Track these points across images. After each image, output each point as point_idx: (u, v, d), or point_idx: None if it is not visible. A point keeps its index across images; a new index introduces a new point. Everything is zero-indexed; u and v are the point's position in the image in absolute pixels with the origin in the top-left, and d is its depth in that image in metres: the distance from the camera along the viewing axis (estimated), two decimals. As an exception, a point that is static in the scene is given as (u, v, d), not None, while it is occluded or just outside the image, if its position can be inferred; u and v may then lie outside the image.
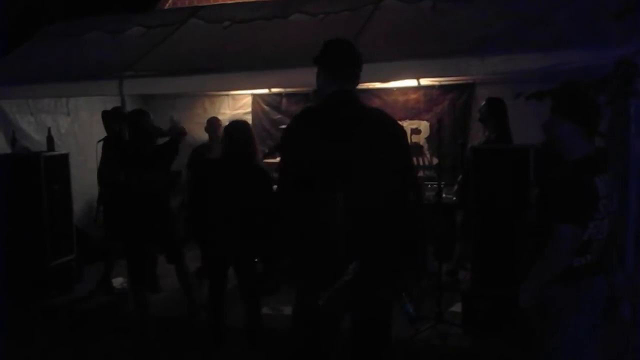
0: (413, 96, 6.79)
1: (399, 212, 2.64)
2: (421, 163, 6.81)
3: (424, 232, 2.78)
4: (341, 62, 2.72)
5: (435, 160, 6.54)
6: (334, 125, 2.60)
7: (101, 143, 5.60)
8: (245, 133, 4.19)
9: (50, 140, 5.88)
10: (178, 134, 4.89)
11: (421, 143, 6.80)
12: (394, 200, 2.62)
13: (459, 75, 5.80)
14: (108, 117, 5.65)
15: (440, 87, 6.61)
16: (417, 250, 2.80)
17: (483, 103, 5.36)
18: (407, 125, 6.80)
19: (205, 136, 6.34)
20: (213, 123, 6.24)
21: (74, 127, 6.71)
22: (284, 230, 2.78)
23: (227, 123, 4.67)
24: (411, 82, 6.37)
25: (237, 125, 4.34)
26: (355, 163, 2.55)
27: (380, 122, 2.71)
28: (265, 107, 7.45)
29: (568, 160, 2.60)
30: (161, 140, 4.85)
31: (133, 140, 4.73)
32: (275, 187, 3.43)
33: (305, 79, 4.89)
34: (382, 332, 2.83)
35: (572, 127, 2.56)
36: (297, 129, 2.74)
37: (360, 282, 2.57)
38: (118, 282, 5.76)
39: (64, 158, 5.88)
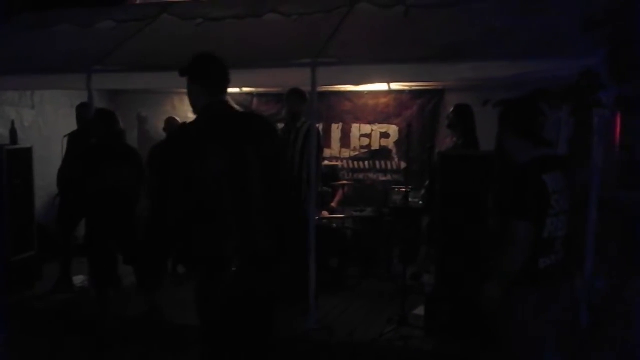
0: (383, 100, 6.85)
1: (279, 207, 2.82)
2: (389, 167, 6.88)
3: (295, 223, 2.95)
4: (218, 76, 2.93)
5: (403, 165, 6.61)
6: (221, 134, 2.75)
7: (67, 138, 5.49)
8: None
9: (13, 133, 5.74)
10: None
11: (390, 147, 6.86)
12: (275, 196, 2.79)
13: (429, 81, 5.90)
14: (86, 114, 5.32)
15: (410, 92, 6.69)
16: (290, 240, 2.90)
17: (451, 109, 5.44)
18: (377, 129, 6.88)
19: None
20: (173, 123, 6.16)
21: (39, 121, 6.58)
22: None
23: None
24: (382, 86, 6.44)
25: None
26: (243, 166, 2.70)
27: (258, 124, 2.97)
28: (236, 106, 7.39)
29: (516, 165, 2.74)
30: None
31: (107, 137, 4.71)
32: None
33: (277, 80, 4.95)
34: (265, 324, 2.91)
35: (516, 136, 2.75)
36: (185, 141, 2.82)
37: (245, 274, 2.69)
38: (79, 280, 5.65)
39: (27, 152, 5.74)
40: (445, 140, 5.76)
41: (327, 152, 6.82)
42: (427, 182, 5.62)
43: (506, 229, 2.60)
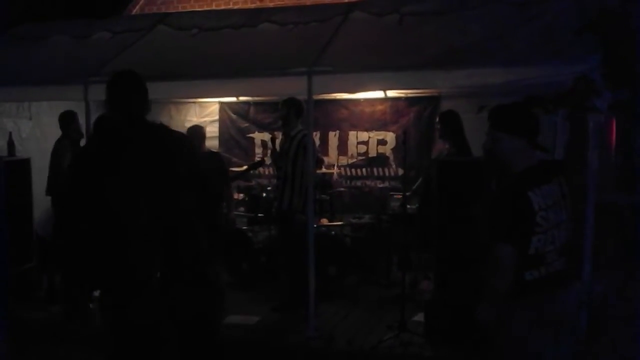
0: (380, 107, 6.88)
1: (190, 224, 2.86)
2: (387, 174, 6.90)
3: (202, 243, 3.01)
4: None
5: (400, 171, 6.63)
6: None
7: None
8: None
9: (11, 144, 5.76)
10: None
11: (387, 154, 6.89)
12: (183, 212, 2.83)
13: (424, 88, 5.91)
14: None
15: (406, 99, 6.72)
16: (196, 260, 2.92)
17: (437, 120, 5.46)
18: (374, 136, 6.90)
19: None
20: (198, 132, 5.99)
21: (36, 132, 6.57)
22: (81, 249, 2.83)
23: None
24: (378, 94, 6.46)
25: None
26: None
27: None
28: (233, 115, 7.44)
29: (512, 173, 2.62)
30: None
31: None
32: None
33: (273, 89, 4.96)
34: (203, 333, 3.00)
35: (513, 139, 2.60)
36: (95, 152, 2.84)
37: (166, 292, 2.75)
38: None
39: (25, 163, 5.77)
40: (439, 148, 5.77)
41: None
42: (415, 185, 5.66)
43: (491, 247, 2.51)
